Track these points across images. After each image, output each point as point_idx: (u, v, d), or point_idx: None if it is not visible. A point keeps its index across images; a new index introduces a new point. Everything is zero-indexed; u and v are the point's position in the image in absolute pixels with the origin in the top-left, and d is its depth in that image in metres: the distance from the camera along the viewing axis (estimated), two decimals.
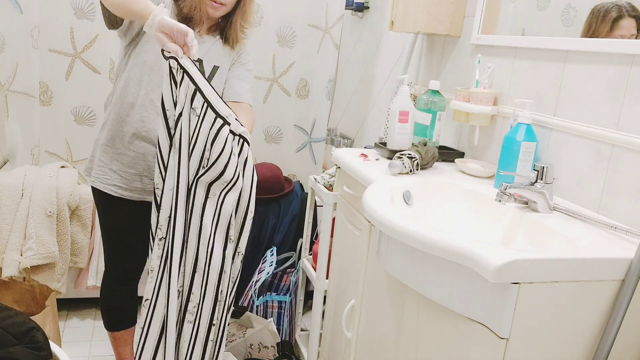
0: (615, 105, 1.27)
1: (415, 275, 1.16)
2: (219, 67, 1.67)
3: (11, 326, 1.30)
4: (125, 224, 1.72)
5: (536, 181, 1.29)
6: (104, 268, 1.86)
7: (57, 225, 2.16)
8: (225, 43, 1.67)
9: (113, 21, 1.56)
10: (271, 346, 2.08)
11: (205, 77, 1.42)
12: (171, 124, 1.41)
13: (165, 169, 1.44)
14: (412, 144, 1.75)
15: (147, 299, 1.51)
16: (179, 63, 1.35)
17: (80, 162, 2.46)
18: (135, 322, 1.89)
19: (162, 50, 1.35)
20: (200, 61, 1.63)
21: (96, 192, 1.69)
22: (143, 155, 1.63)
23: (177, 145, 1.40)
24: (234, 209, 1.48)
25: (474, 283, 1.02)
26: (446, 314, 1.11)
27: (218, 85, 1.67)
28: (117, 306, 1.83)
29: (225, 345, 1.64)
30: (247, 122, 1.55)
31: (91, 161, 1.71)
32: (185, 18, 1.58)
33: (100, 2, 1.50)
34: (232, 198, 1.46)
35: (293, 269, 2.28)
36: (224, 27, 1.66)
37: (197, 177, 1.43)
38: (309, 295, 2.28)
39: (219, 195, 1.45)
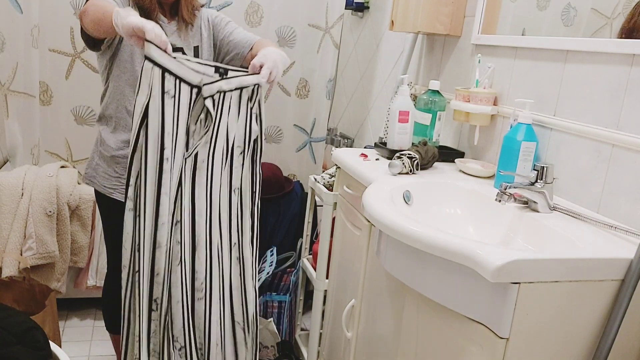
0: (615, 105, 1.27)
1: (415, 275, 1.16)
2: (198, 46, 1.68)
3: (11, 326, 1.30)
4: None
5: (536, 181, 1.29)
6: (104, 268, 1.86)
7: (57, 224, 2.16)
8: (185, 24, 1.65)
9: (92, 44, 1.57)
10: (271, 346, 2.08)
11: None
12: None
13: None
14: (412, 143, 1.75)
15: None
16: (150, 60, 1.37)
17: (80, 162, 2.45)
18: None
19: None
20: (180, 49, 1.63)
21: (109, 200, 1.67)
22: None
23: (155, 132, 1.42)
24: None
25: (474, 283, 1.02)
26: (446, 314, 1.11)
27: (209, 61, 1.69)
28: (118, 307, 1.83)
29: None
30: (273, 47, 1.58)
31: (95, 170, 1.69)
32: (139, 7, 1.58)
33: (81, 29, 1.52)
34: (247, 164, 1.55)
35: (293, 269, 2.28)
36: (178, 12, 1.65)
37: (194, 150, 1.47)
38: (309, 295, 2.28)
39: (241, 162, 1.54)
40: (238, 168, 1.56)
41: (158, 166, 1.42)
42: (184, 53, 1.64)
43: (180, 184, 1.47)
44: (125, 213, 1.44)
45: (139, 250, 1.44)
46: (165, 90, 1.40)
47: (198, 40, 1.69)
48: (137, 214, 1.44)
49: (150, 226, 1.44)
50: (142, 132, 1.39)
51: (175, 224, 1.48)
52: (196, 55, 1.68)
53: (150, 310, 1.49)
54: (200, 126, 1.48)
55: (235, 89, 1.48)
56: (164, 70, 1.38)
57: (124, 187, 1.64)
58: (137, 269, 1.46)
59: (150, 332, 1.50)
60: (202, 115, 1.47)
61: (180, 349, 1.54)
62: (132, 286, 1.49)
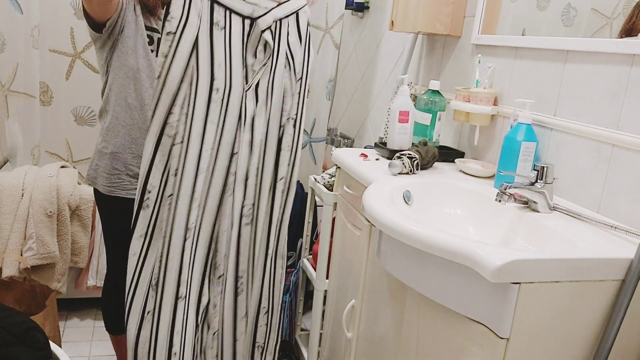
0: (615, 105, 1.27)
1: (416, 275, 1.16)
2: None
3: (11, 326, 1.30)
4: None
5: (536, 181, 1.29)
6: (104, 268, 1.85)
7: (57, 225, 2.16)
8: None
9: (94, 25, 1.56)
10: None
11: None
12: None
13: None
14: (412, 144, 1.75)
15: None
16: None
17: (80, 162, 2.46)
18: None
19: None
20: None
21: (109, 200, 1.67)
22: None
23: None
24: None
25: (474, 283, 1.02)
26: (446, 314, 1.11)
27: None
28: (119, 309, 1.83)
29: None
30: None
31: (95, 170, 1.68)
32: (143, 4, 1.60)
33: (84, 11, 1.52)
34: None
35: (293, 269, 2.28)
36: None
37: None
38: (309, 295, 2.29)
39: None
40: (295, 96, 1.57)
41: (208, 95, 1.43)
42: None
43: (240, 116, 1.49)
44: (164, 138, 1.43)
45: (175, 175, 1.44)
46: (215, 21, 1.40)
47: None
48: (181, 140, 1.44)
49: (196, 153, 1.45)
50: (192, 63, 1.40)
51: (234, 155, 1.51)
52: None
53: (185, 238, 1.48)
54: (258, 58, 1.50)
55: (290, 14, 1.49)
56: (212, 1, 1.39)
57: (125, 183, 1.64)
58: (170, 193, 1.45)
59: (182, 261, 1.48)
60: (260, 47, 1.49)
61: (219, 277, 1.57)
62: (159, 210, 1.47)
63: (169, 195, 1.45)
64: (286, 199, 1.64)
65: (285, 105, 1.56)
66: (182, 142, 1.44)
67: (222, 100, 1.46)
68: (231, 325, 1.64)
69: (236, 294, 1.62)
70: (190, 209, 1.47)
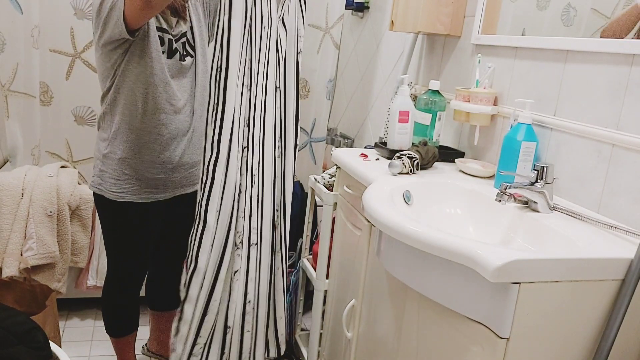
0: (615, 105, 1.27)
1: (416, 275, 1.16)
2: (192, 26, 1.74)
3: (12, 326, 1.30)
4: (137, 230, 1.71)
5: (536, 181, 1.29)
6: (104, 268, 1.85)
7: (57, 225, 2.16)
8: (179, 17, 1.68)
9: (130, 32, 1.48)
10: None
11: None
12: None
13: None
14: (412, 144, 1.75)
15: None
16: None
17: (81, 162, 2.46)
18: (137, 326, 1.88)
19: None
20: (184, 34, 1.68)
21: (113, 204, 1.65)
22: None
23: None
24: None
25: (474, 283, 1.02)
26: (446, 314, 1.11)
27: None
28: (120, 312, 1.83)
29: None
30: None
31: (100, 176, 1.64)
32: (170, 7, 1.62)
33: (124, 14, 1.43)
34: None
35: (293, 269, 2.28)
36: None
37: None
38: (309, 295, 2.28)
39: None
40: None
41: (247, 32, 1.55)
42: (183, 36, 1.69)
43: (277, 49, 1.63)
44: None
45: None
46: None
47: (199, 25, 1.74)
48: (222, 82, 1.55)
49: (239, 94, 1.56)
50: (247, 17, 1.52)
51: (277, 90, 1.66)
52: (192, 33, 1.71)
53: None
54: None
55: None
56: None
57: (135, 187, 1.63)
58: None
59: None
60: None
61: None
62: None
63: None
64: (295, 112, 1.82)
65: (299, 31, 1.68)
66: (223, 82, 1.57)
67: (262, 39, 1.58)
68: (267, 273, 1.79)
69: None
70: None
